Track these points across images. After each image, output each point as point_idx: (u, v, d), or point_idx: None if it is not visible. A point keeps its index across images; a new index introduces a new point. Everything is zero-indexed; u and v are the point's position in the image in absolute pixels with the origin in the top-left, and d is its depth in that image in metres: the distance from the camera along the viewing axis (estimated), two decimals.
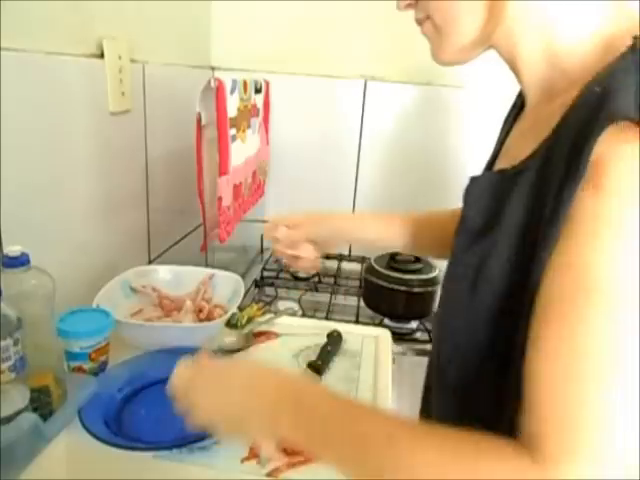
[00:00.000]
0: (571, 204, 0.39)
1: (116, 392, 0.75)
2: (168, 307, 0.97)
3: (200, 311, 0.94)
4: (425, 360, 0.66)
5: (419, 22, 0.54)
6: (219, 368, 0.56)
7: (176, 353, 0.82)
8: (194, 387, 0.54)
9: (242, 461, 0.64)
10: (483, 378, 0.49)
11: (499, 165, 0.57)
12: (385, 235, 0.82)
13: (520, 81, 0.53)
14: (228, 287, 0.98)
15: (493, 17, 0.48)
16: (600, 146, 0.38)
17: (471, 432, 0.41)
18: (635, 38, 0.42)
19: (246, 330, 0.95)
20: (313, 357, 0.87)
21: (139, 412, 0.73)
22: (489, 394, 0.49)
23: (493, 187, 0.50)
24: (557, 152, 0.42)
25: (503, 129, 0.63)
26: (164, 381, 0.78)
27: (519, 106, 0.60)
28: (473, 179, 0.54)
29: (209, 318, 0.93)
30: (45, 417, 0.63)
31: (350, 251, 1.60)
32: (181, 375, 0.55)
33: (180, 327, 0.88)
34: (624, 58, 0.42)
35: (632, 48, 0.42)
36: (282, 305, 1.17)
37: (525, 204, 0.45)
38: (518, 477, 0.38)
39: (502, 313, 0.46)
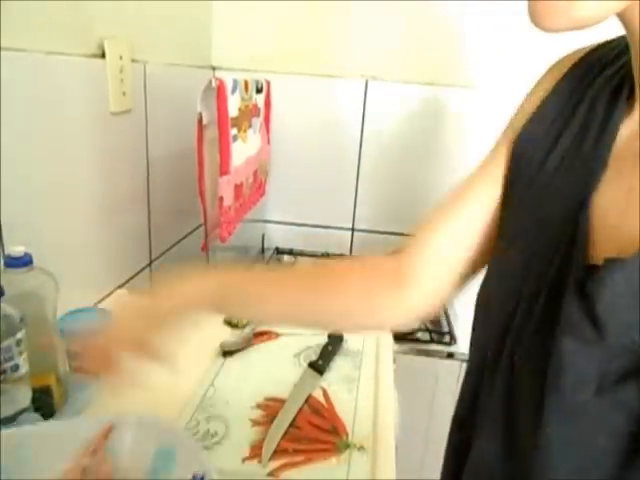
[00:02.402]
0: None
1: None
2: None
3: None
4: (426, 360, 0.65)
5: None
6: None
7: None
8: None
9: (243, 461, 0.64)
10: None
11: (614, 186, 0.40)
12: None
13: None
14: None
15: None
16: None
17: None
18: None
19: (247, 330, 0.95)
20: (314, 357, 0.87)
21: None
22: None
23: None
24: None
25: (603, 120, 0.43)
26: None
27: (627, 95, 0.41)
28: (610, 264, 0.36)
29: None
30: (46, 417, 0.63)
31: (351, 251, 1.60)
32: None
33: None
34: None
35: None
36: None
37: None
38: None
39: None
